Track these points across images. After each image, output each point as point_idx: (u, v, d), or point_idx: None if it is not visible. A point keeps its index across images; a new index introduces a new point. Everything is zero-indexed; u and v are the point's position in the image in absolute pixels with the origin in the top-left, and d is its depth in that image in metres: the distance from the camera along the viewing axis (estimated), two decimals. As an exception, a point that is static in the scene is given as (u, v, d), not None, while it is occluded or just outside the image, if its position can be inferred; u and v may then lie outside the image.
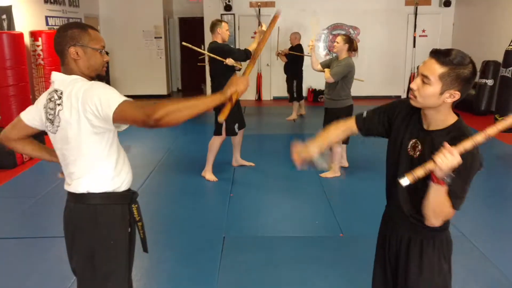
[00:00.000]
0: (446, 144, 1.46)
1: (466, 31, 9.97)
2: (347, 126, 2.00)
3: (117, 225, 1.86)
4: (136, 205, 1.98)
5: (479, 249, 3.45)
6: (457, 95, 1.57)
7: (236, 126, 4.99)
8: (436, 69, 1.54)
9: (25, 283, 3.05)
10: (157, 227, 4.02)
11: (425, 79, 1.57)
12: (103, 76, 1.85)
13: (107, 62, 1.89)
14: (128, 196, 1.94)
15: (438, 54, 1.56)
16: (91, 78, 1.81)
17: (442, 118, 1.63)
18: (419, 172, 1.49)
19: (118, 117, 1.66)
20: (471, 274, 3.14)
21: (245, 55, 4.83)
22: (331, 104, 4.90)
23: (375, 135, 1.93)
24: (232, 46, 5.06)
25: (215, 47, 4.78)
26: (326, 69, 4.79)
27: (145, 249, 2.09)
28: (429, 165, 1.48)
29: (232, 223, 3.95)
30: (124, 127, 1.80)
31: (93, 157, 1.78)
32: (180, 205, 4.44)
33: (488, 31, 8.97)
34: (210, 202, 4.62)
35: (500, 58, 7.15)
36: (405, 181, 1.50)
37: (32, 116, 1.90)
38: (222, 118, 1.94)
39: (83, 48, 1.77)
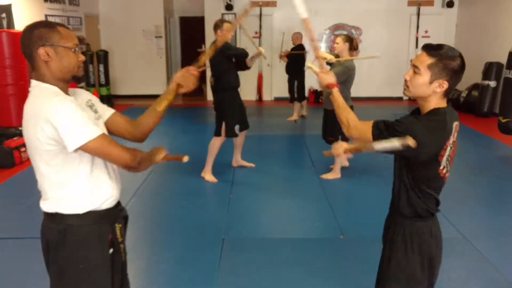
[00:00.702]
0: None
1: (469, 32, 9.92)
2: None
3: (92, 247, 1.68)
4: (120, 225, 1.78)
5: (479, 250, 3.42)
6: (445, 85, 1.69)
7: (237, 127, 4.94)
8: (426, 60, 1.70)
9: (23, 283, 3.02)
10: (156, 228, 3.99)
11: (416, 69, 1.72)
12: (79, 77, 1.69)
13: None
14: (111, 215, 1.74)
15: (429, 47, 1.73)
16: (66, 81, 1.65)
17: (430, 105, 1.74)
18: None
19: (92, 150, 1.55)
20: (471, 275, 3.13)
21: (243, 57, 4.78)
22: (331, 105, 4.86)
23: None
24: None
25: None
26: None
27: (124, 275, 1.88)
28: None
29: (232, 225, 3.90)
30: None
31: (57, 178, 1.62)
32: (179, 206, 4.40)
33: (492, 32, 8.93)
34: (210, 203, 4.58)
35: (503, 60, 7.09)
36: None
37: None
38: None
39: (54, 48, 1.58)
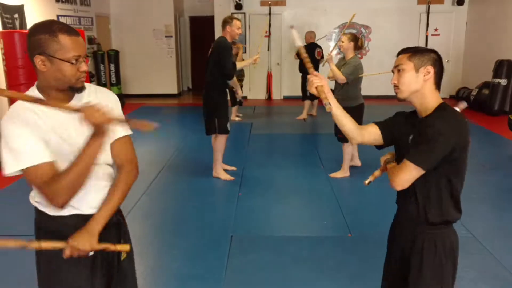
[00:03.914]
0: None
1: (480, 30, 9.84)
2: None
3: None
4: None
5: (488, 250, 3.41)
6: (431, 69, 1.70)
7: (229, 124, 4.93)
8: (403, 57, 1.74)
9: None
10: (165, 225, 4.03)
11: (399, 68, 1.74)
12: (78, 88, 1.54)
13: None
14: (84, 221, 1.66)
15: (402, 50, 1.78)
16: (62, 91, 1.54)
17: (429, 101, 1.73)
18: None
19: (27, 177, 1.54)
20: (480, 275, 3.11)
21: (230, 74, 4.71)
22: (342, 103, 4.86)
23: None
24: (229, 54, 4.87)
25: (220, 42, 4.70)
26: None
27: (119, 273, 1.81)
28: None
29: (240, 223, 3.94)
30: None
31: None
32: (188, 204, 4.44)
33: (502, 30, 8.85)
34: (218, 201, 4.62)
35: (514, 57, 7.05)
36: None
37: None
38: None
39: (50, 59, 1.47)
